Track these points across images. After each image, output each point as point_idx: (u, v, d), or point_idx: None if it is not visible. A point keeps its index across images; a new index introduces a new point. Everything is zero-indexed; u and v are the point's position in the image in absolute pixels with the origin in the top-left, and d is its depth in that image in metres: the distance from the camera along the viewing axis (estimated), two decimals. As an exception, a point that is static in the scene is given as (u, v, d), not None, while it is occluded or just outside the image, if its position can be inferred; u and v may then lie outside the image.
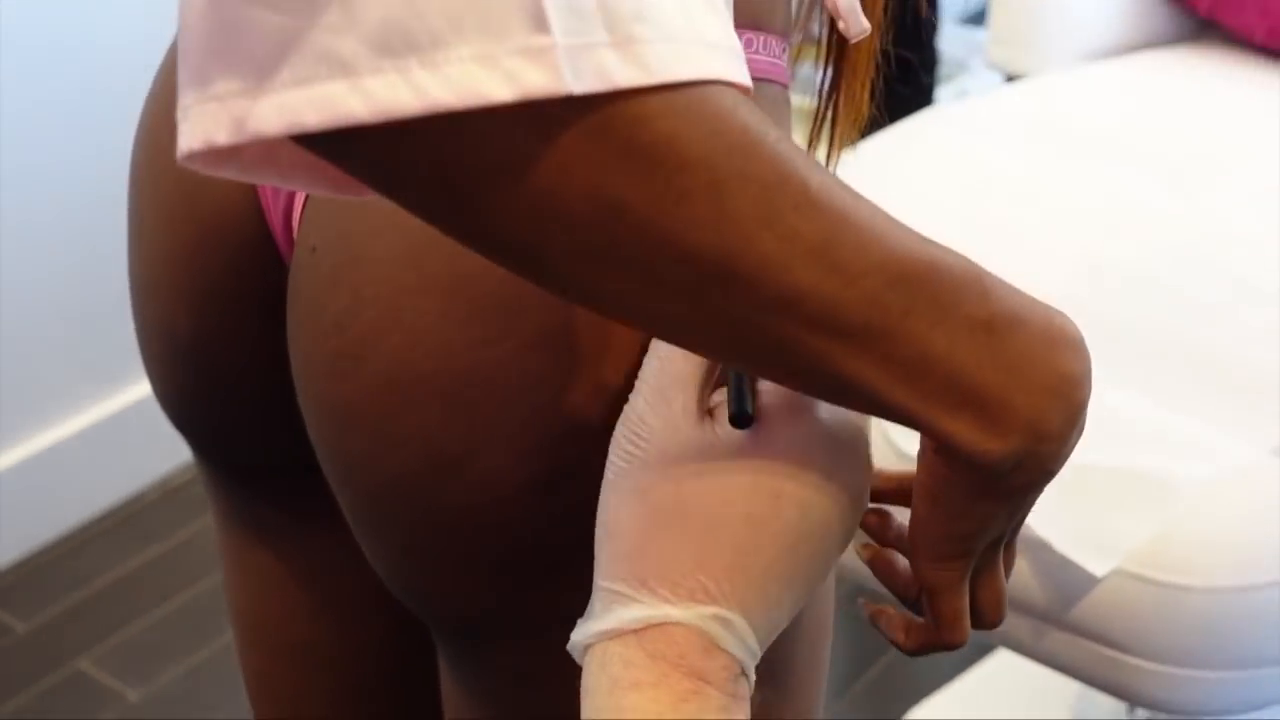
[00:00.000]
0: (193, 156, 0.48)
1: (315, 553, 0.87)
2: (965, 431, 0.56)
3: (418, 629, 0.78)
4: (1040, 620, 1.16)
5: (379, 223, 0.66)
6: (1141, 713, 1.66)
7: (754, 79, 0.67)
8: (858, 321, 0.52)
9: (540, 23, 0.45)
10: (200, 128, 0.47)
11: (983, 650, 1.80)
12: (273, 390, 0.76)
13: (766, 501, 0.60)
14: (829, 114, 0.78)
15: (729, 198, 0.49)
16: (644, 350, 0.64)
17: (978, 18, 2.97)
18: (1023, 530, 1.23)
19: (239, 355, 0.78)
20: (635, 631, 0.59)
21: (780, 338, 0.52)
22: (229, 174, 0.49)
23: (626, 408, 0.62)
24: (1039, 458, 0.58)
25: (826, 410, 0.61)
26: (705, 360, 0.61)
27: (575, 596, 0.67)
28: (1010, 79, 2.00)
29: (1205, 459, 1.17)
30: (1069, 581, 1.13)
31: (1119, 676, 1.15)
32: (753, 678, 0.61)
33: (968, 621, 0.66)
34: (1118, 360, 1.32)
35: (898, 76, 0.80)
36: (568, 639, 0.61)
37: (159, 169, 0.77)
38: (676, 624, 0.58)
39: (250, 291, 0.76)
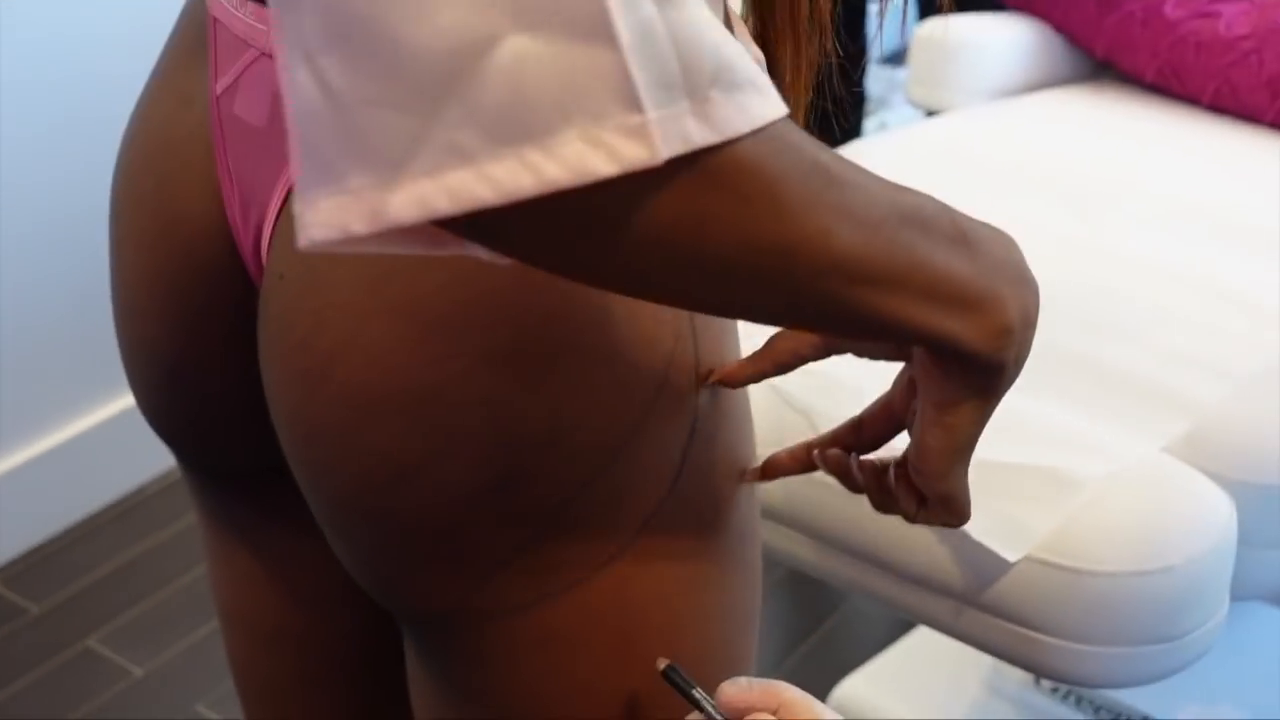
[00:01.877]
0: (319, 243, 0.48)
1: (288, 549, 0.86)
2: (977, 333, 0.59)
3: (385, 618, 0.77)
4: (958, 601, 1.15)
5: (340, 253, 0.65)
6: (1047, 683, 1.66)
7: None
8: (885, 265, 0.55)
9: (634, 103, 0.46)
10: (336, 219, 0.47)
11: (905, 627, 1.79)
12: (247, 403, 0.75)
13: None
14: None
15: (780, 192, 0.51)
16: (589, 362, 0.64)
17: (898, 58, 2.97)
18: (941, 521, 1.24)
19: (216, 372, 0.77)
20: None
21: (835, 298, 0.54)
22: (345, 250, 0.50)
23: None
24: (1025, 346, 0.62)
25: None
26: None
27: (526, 584, 0.66)
28: (928, 114, 2.00)
29: (1104, 457, 1.17)
30: (984, 566, 1.13)
31: (1028, 651, 1.14)
32: None
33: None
34: (1026, 371, 1.31)
35: (831, 113, 0.80)
36: (520, 625, 0.62)
37: (136, 200, 0.76)
38: None
39: (225, 315, 0.75)
